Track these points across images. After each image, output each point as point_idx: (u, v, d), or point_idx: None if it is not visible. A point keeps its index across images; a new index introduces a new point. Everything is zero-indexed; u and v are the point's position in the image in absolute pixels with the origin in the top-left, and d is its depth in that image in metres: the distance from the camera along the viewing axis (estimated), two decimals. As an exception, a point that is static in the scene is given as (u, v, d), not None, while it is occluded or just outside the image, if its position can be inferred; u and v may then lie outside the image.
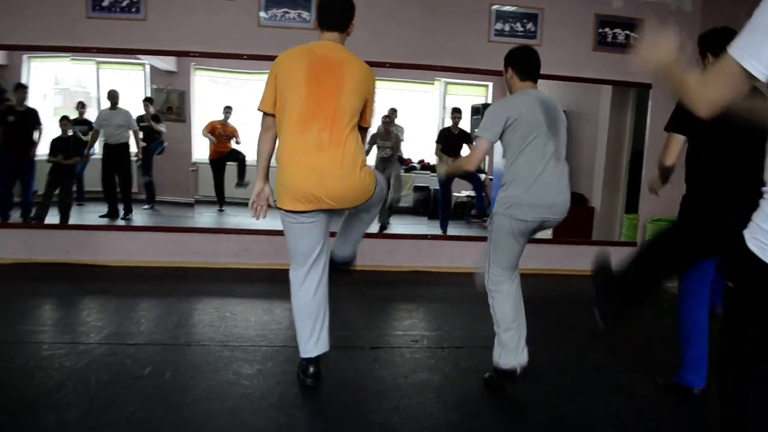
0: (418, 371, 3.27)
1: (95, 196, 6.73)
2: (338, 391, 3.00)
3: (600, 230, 6.09)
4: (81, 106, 6.96)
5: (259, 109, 2.91)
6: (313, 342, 2.97)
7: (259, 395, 2.88)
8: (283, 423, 2.66)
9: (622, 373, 3.40)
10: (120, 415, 2.61)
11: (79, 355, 3.26)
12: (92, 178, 6.85)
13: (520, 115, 2.81)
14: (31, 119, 5.91)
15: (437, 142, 6.62)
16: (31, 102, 6.00)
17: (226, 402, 2.80)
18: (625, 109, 5.92)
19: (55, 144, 6.15)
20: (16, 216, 5.84)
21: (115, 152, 6.59)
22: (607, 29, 5.53)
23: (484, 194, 7.03)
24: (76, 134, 6.58)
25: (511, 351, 2.91)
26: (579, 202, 6.14)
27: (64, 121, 6.16)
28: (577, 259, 5.75)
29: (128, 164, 6.72)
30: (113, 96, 6.59)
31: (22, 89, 5.89)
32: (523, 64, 2.97)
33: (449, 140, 6.57)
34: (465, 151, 6.59)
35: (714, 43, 2.78)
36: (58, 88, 7.02)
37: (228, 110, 6.98)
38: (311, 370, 2.98)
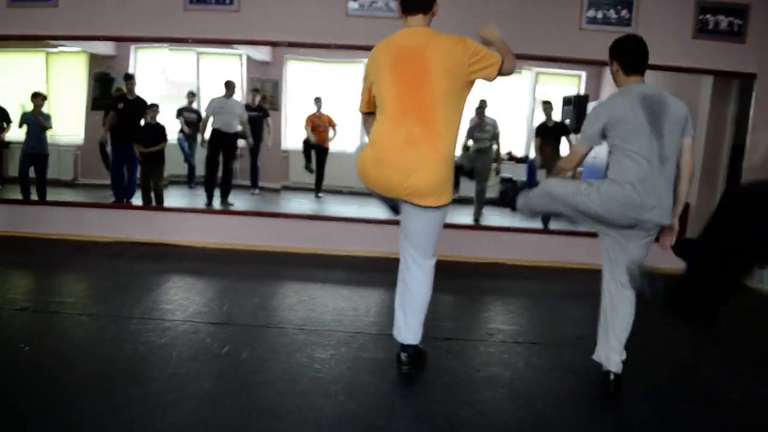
0: (490, 365, 3.22)
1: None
2: (407, 381, 3.00)
3: (695, 227, 5.72)
4: (191, 95, 7.28)
5: (360, 110, 3.01)
6: (403, 327, 3.00)
7: (330, 380, 2.93)
8: (351, 409, 2.69)
9: (714, 380, 3.21)
10: (195, 391, 2.72)
11: (163, 331, 3.43)
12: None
13: (618, 117, 2.70)
14: (140, 108, 6.24)
15: (536, 136, 6.48)
16: (139, 91, 6.34)
17: (297, 385, 2.86)
18: (726, 101, 5.54)
19: (141, 132, 6.42)
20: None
21: (228, 141, 6.75)
22: (708, 15, 5.18)
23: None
24: (186, 120, 6.92)
25: (605, 351, 2.89)
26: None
27: (153, 108, 6.43)
28: (671, 257, 5.47)
29: (235, 153, 6.91)
30: (231, 86, 6.75)
31: (130, 79, 6.23)
32: (629, 56, 2.80)
33: (546, 134, 6.41)
34: (564, 144, 6.44)
35: None
36: (164, 77, 7.36)
37: (318, 101, 7.10)
38: (402, 357, 3.00)
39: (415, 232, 2.96)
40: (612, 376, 2.87)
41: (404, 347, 3.00)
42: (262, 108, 7.08)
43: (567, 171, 3.04)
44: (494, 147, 6.63)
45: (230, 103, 6.75)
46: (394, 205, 3.07)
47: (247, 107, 6.96)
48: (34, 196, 6.04)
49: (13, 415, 2.47)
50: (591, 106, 6.51)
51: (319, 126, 7.15)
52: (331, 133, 7.20)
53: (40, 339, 3.29)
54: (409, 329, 2.99)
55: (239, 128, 6.77)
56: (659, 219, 2.72)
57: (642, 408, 2.82)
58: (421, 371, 3.07)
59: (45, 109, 6.16)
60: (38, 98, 6.11)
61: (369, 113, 2.99)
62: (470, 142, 6.55)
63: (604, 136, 2.78)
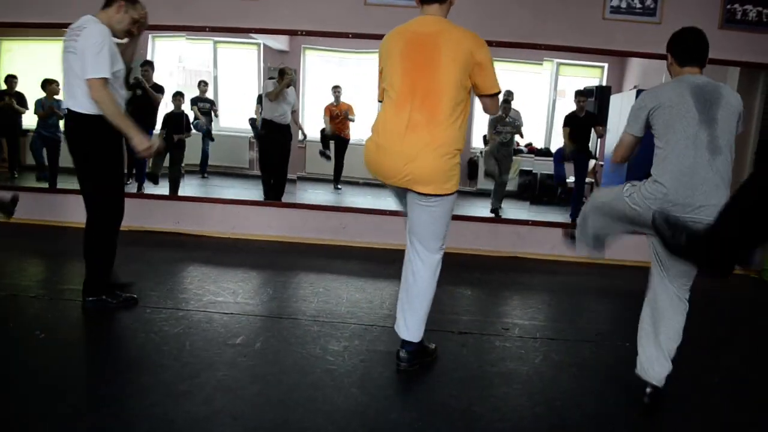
0: (506, 360, 3.17)
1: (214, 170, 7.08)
2: (421, 374, 2.96)
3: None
4: (204, 85, 7.24)
5: (378, 100, 2.95)
6: (402, 323, 2.93)
7: (343, 372, 2.90)
8: (363, 402, 2.65)
9: (749, 384, 3.12)
10: (208, 381, 2.70)
11: (177, 320, 3.41)
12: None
13: (662, 103, 2.55)
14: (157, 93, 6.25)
15: (565, 125, 6.39)
16: (157, 79, 6.33)
17: (309, 376, 2.83)
18: (753, 94, 5.40)
19: (167, 119, 6.43)
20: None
21: (285, 133, 6.48)
22: (736, 5, 5.05)
23: (594, 182, 6.75)
24: (200, 110, 6.87)
25: (643, 362, 2.72)
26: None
27: (178, 97, 6.42)
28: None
29: (289, 147, 6.60)
30: (289, 73, 6.45)
31: (146, 66, 6.22)
32: (683, 45, 2.68)
33: (576, 125, 6.33)
34: (593, 134, 6.38)
35: None
36: (182, 66, 7.34)
37: (336, 89, 7.01)
38: (401, 353, 2.94)
39: (420, 222, 2.87)
40: (650, 389, 2.69)
41: (404, 343, 2.95)
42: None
43: (614, 161, 2.88)
44: (515, 140, 6.58)
45: (289, 91, 6.49)
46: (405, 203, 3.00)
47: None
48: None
49: (25, 402, 2.46)
50: (613, 98, 6.40)
51: (337, 116, 7.08)
52: (350, 123, 7.10)
53: (55, 326, 3.29)
54: (408, 327, 2.93)
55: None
56: (709, 219, 2.48)
57: (663, 406, 2.76)
58: (431, 366, 3.03)
59: (57, 96, 6.19)
60: (52, 84, 6.17)
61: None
62: (494, 135, 6.50)
63: (648, 125, 2.64)
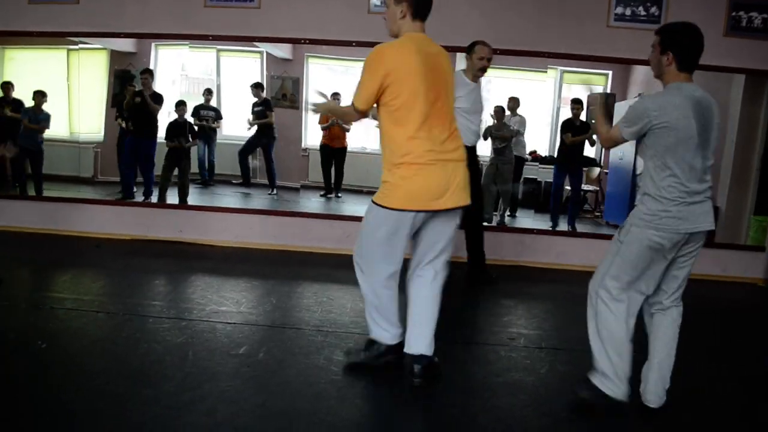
0: (511, 371, 3.13)
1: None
2: (426, 385, 2.92)
3: (724, 232, 5.58)
4: (208, 93, 7.22)
5: (354, 106, 2.77)
6: (422, 339, 2.91)
7: (347, 383, 2.87)
8: (368, 413, 2.63)
9: (750, 395, 3.08)
10: (211, 391, 2.68)
11: (180, 330, 3.39)
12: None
13: (669, 122, 2.40)
14: (157, 103, 6.23)
15: (564, 130, 6.31)
16: (160, 88, 6.32)
17: (313, 387, 2.80)
18: (759, 101, 5.36)
19: (170, 128, 6.40)
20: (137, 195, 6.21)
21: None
22: (741, 12, 5.03)
23: (598, 190, 6.72)
24: (205, 120, 6.86)
25: (606, 378, 2.67)
26: (702, 200, 5.67)
27: (181, 106, 6.42)
28: (697, 262, 5.34)
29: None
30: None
31: (146, 73, 6.21)
32: (688, 50, 2.46)
33: (572, 131, 6.28)
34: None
35: None
36: (184, 74, 7.33)
37: (336, 96, 6.98)
38: (416, 369, 2.86)
39: (448, 237, 2.90)
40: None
41: (421, 358, 2.88)
42: (267, 102, 6.95)
43: (600, 138, 2.81)
44: (509, 147, 6.47)
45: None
46: None
47: (257, 105, 6.86)
48: (40, 192, 6.11)
49: (26, 412, 2.44)
50: (621, 105, 6.34)
51: (332, 123, 7.03)
52: (345, 132, 7.04)
53: (56, 336, 3.28)
54: (430, 340, 2.92)
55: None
56: (698, 246, 2.61)
57: (670, 416, 2.72)
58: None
59: (45, 107, 6.14)
60: (38, 96, 6.08)
61: (364, 111, 2.81)
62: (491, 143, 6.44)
63: (644, 135, 2.50)
